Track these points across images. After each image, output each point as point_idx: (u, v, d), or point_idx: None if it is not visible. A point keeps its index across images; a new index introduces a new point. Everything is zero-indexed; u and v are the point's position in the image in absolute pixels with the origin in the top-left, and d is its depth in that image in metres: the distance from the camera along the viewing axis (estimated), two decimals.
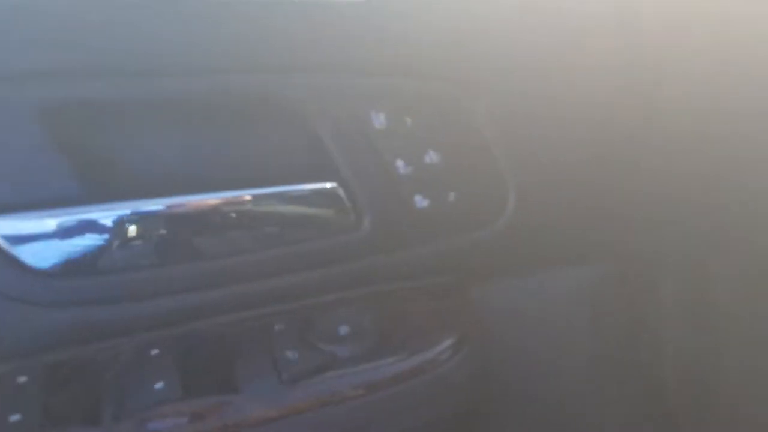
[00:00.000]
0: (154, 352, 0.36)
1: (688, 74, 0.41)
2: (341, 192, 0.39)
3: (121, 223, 0.35)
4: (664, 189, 0.46)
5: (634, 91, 0.41)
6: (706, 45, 0.39)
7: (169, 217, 0.36)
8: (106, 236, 0.35)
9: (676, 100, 0.42)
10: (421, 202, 0.41)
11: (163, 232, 0.36)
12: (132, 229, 0.35)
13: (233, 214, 0.37)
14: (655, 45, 0.39)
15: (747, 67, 0.38)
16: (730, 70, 0.39)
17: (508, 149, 0.41)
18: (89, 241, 0.35)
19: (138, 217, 0.35)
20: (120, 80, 0.33)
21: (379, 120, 0.38)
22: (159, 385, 0.35)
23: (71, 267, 0.34)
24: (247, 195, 0.37)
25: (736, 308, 0.48)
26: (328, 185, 0.39)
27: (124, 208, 0.35)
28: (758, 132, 0.40)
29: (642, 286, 0.51)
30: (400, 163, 0.39)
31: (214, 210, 0.37)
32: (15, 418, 0.31)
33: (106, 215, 0.35)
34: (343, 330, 0.40)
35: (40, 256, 0.33)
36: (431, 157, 0.40)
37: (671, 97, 0.42)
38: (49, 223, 0.33)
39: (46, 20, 0.31)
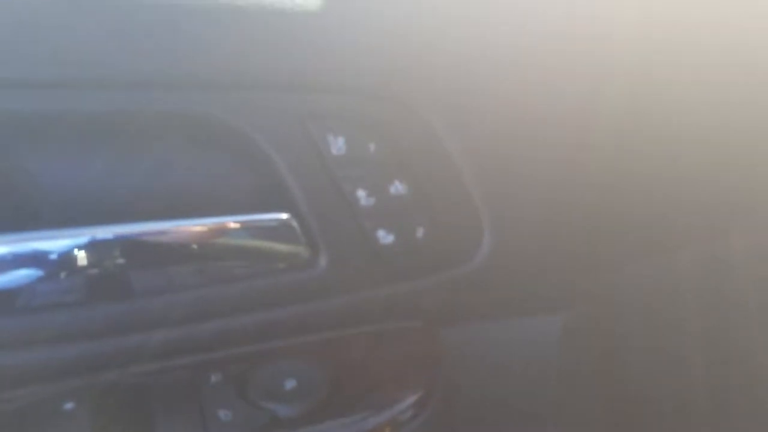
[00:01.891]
0: (68, 405, 0.31)
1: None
2: (295, 224, 0.35)
3: (36, 256, 0.31)
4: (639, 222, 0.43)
5: (614, 115, 0.37)
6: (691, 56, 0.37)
7: (93, 249, 0.31)
8: (18, 271, 0.30)
9: (654, 122, 0.39)
10: (384, 237, 0.36)
11: (84, 265, 0.31)
12: (49, 262, 0.31)
13: (169, 247, 0.33)
14: (634, 60, 0.36)
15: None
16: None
17: (482, 180, 0.37)
18: (6, 275, 0.30)
19: (57, 249, 0.31)
20: (44, 92, 0.29)
21: (337, 145, 0.33)
22: None
23: None
24: (186, 225, 0.33)
25: (703, 352, 0.46)
26: (281, 216, 0.34)
27: (41, 239, 0.31)
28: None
29: (611, 331, 0.48)
30: (361, 193, 0.35)
31: (147, 241, 0.32)
32: None
33: (19, 247, 0.30)
34: (289, 384, 0.35)
35: None
36: (397, 187, 0.36)
37: (649, 118, 0.39)
38: None
39: None
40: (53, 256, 0.31)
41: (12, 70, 0.28)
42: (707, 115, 0.38)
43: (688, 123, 0.38)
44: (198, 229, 0.33)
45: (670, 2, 0.34)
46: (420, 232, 0.37)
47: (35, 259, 0.31)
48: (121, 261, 0.32)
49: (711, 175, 0.42)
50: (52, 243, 0.31)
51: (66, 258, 0.31)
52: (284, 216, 0.34)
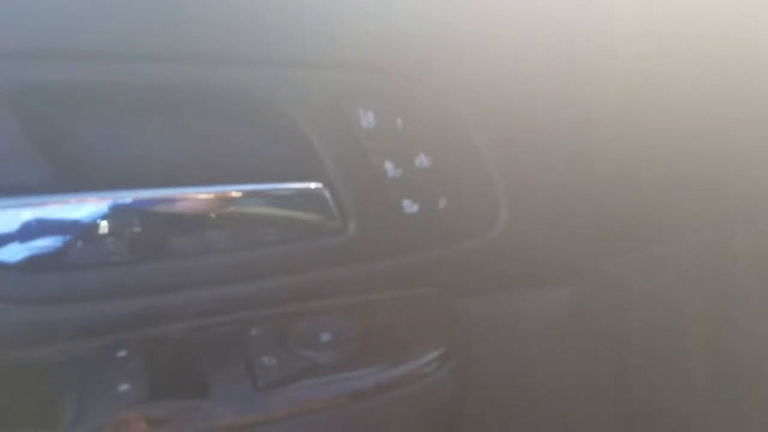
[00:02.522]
0: (122, 353, 0.35)
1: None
2: (326, 193, 0.37)
3: (90, 217, 0.34)
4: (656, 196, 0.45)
5: (628, 94, 0.39)
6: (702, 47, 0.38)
7: (141, 212, 0.34)
8: (75, 230, 0.33)
9: (672, 100, 0.40)
10: (409, 207, 0.39)
11: (135, 227, 0.34)
12: (103, 224, 0.34)
13: (211, 212, 0.36)
14: (650, 45, 0.38)
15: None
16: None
17: (500, 157, 0.39)
18: (59, 234, 0.33)
19: (109, 211, 0.34)
20: (91, 64, 0.32)
21: (367, 119, 0.36)
22: (125, 388, 0.33)
23: (38, 262, 0.32)
24: (225, 192, 0.36)
25: (703, 331, 0.48)
26: (313, 185, 0.37)
27: (94, 201, 0.33)
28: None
29: (618, 306, 0.50)
30: (389, 165, 0.38)
31: (190, 206, 0.35)
32: None
33: (75, 208, 0.33)
34: (325, 337, 0.38)
35: (7, 250, 0.32)
36: (422, 160, 0.38)
37: (668, 95, 0.40)
38: (15, 214, 0.32)
39: (12, 1, 0.29)
40: (106, 217, 0.34)
41: (67, 42, 0.31)
42: (718, 103, 0.40)
43: (698, 110, 0.40)
44: (237, 195, 0.36)
45: None
46: (442, 203, 0.40)
47: (87, 219, 0.34)
48: (166, 223, 0.35)
49: (721, 162, 0.43)
50: (103, 204, 0.33)
51: (116, 219, 0.34)
52: (317, 185, 0.37)
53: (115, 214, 0.34)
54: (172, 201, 0.35)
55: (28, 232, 0.32)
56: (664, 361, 0.51)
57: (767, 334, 0.46)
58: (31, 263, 0.32)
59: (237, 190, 0.36)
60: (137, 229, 0.34)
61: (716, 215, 0.48)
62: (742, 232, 0.48)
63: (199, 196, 0.35)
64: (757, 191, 0.46)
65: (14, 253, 0.32)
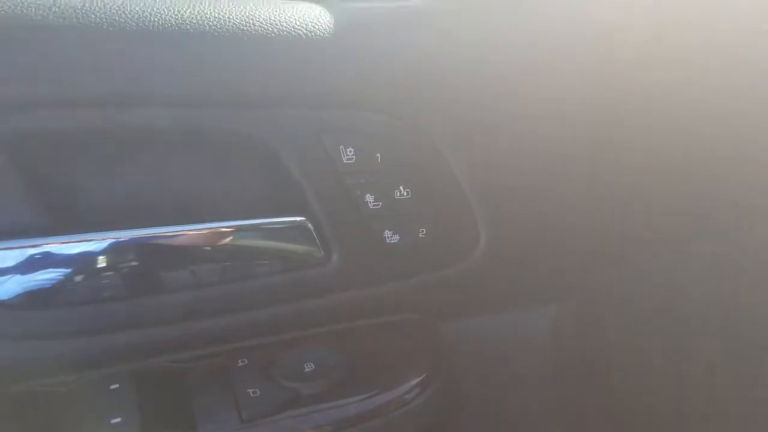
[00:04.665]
0: (113, 386, 0.35)
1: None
2: (309, 226, 0.39)
3: (83, 256, 0.34)
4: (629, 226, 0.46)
5: (604, 122, 0.41)
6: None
7: (130, 250, 0.35)
8: (68, 268, 0.34)
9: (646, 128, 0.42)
10: (391, 237, 0.40)
11: (124, 265, 0.35)
12: (94, 262, 0.35)
13: (198, 248, 0.37)
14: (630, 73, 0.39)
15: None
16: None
17: (478, 187, 0.40)
18: (51, 273, 0.34)
19: (100, 250, 0.35)
20: (81, 111, 0.33)
21: (348, 155, 0.38)
22: (116, 420, 0.34)
23: (30, 299, 0.33)
24: (212, 228, 0.37)
25: (688, 347, 0.49)
26: (297, 219, 0.38)
27: (87, 240, 0.35)
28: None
29: (598, 324, 0.52)
30: (369, 197, 0.39)
31: (178, 243, 0.36)
32: None
33: (68, 247, 0.34)
34: (308, 367, 0.39)
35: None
36: (401, 192, 0.39)
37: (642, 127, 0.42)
38: (11, 254, 0.33)
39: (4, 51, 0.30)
40: (97, 256, 0.35)
41: (58, 90, 0.32)
42: (697, 123, 0.41)
43: (673, 141, 0.41)
44: (223, 231, 0.37)
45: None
46: (423, 232, 0.41)
47: (81, 258, 0.35)
48: (154, 260, 0.36)
49: (699, 182, 0.45)
50: (95, 244, 0.35)
51: (106, 257, 0.35)
52: (301, 219, 0.38)
53: (105, 253, 0.35)
54: (159, 239, 0.36)
55: (24, 271, 0.33)
56: (645, 378, 0.52)
57: (758, 344, 0.47)
58: (28, 301, 0.33)
59: (222, 227, 0.37)
60: (129, 267, 0.35)
61: (695, 232, 0.49)
62: (725, 244, 0.48)
63: (187, 233, 0.36)
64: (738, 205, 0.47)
65: (10, 291, 0.33)
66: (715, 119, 0.41)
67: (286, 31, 0.35)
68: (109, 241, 0.35)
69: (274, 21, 0.35)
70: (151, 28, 0.33)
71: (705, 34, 0.37)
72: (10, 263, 0.33)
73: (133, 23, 0.32)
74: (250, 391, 0.36)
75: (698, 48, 0.37)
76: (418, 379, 0.40)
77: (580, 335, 0.51)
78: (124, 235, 0.35)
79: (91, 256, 0.34)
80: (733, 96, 0.39)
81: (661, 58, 0.38)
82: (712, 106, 0.40)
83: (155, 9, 0.33)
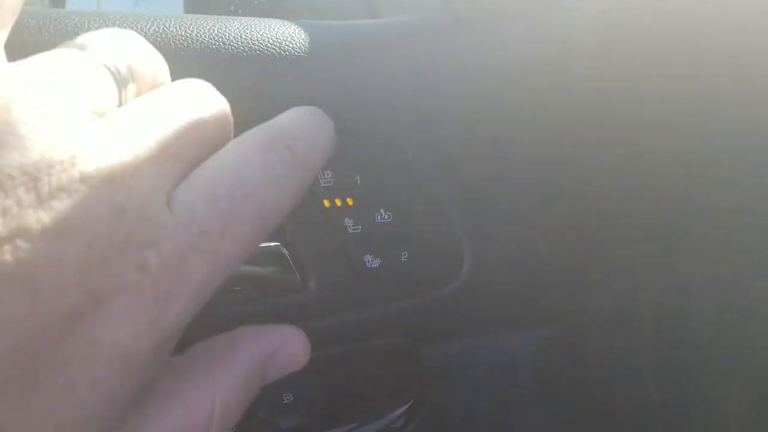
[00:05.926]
0: None
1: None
2: (284, 251, 0.37)
3: None
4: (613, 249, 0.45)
5: (594, 142, 0.39)
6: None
7: None
8: None
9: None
10: (371, 262, 0.39)
11: None
12: None
13: None
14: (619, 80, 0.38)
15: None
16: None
17: (461, 209, 0.39)
18: None
19: None
20: None
21: (326, 178, 0.36)
22: None
23: None
24: None
25: (679, 368, 0.48)
26: (271, 245, 0.37)
27: None
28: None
29: (586, 347, 0.51)
30: (348, 221, 0.37)
31: None
32: None
33: None
34: (287, 398, 0.37)
35: None
36: (382, 216, 0.38)
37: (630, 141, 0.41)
38: None
39: None
40: None
41: None
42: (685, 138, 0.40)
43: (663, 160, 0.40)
44: None
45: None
46: (405, 256, 0.39)
47: None
48: None
49: (690, 201, 0.44)
50: None
51: None
52: (275, 244, 0.37)
53: None
54: None
55: None
56: (637, 403, 0.51)
57: (754, 362, 0.46)
58: None
59: None
60: None
61: (688, 252, 0.48)
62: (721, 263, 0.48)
63: None
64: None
65: None
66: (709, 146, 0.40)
67: (258, 50, 0.33)
68: None
69: (244, 40, 0.33)
70: None
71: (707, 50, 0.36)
72: None
73: None
74: None
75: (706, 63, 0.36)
76: (401, 409, 0.39)
77: (569, 359, 0.50)
78: None
79: None
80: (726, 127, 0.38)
81: (664, 78, 0.37)
82: (707, 123, 0.39)
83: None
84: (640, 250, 0.46)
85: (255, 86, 0.33)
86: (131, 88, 0.20)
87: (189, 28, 0.32)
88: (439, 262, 0.41)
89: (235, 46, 0.32)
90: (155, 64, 0.22)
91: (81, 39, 0.20)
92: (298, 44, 0.34)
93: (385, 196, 0.37)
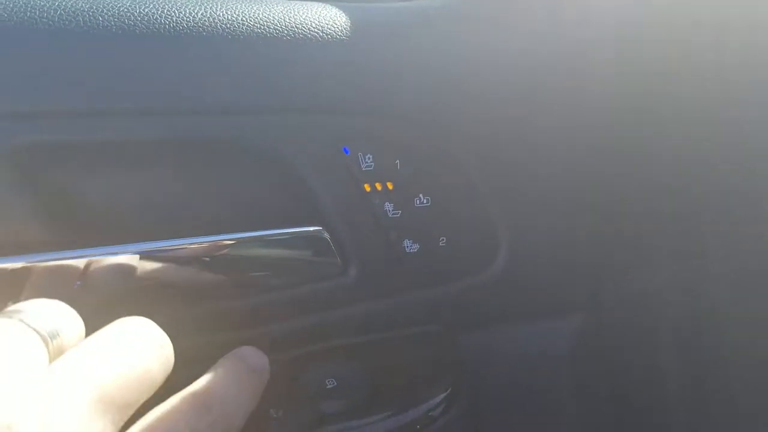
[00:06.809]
0: None
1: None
2: (326, 236, 0.37)
3: (95, 270, 0.33)
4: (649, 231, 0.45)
5: (624, 130, 0.40)
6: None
7: (145, 264, 0.34)
8: (79, 283, 0.33)
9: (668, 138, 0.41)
10: (410, 247, 0.39)
11: (143, 277, 0.34)
12: (113, 274, 0.33)
13: (212, 260, 0.35)
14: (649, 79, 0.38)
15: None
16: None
17: (498, 195, 0.39)
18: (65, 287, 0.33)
19: (119, 263, 0.33)
20: (89, 121, 0.31)
21: (366, 162, 0.36)
22: None
23: None
24: (227, 240, 0.35)
25: (708, 360, 0.48)
26: (313, 229, 0.37)
27: (98, 255, 0.33)
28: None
29: (620, 335, 0.50)
30: (388, 206, 0.38)
31: (192, 256, 0.35)
32: None
33: (80, 261, 0.33)
34: (330, 384, 0.37)
35: None
36: (421, 200, 0.38)
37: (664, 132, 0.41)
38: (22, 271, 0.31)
39: (20, 60, 0.29)
40: (114, 271, 0.33)
41: (68, 100, 0.31)
42: (718, 125, 0.40)
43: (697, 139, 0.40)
44: (238, 243, 0.35)
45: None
46: (442, 242, 0.40)
47: (99, 273, 0.33)
48: (170, 274, 0.35)
49: (719, 189, 0.44)
50: (115, 258, 0.33)
51: (126, 271, 0.34)
52: (317, 229, 0.37)
53: (123, 266, 0.33)
54: (176, 252, 0.35)
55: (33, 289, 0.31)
56: (664, 390, 0.51)
57: None
58: None
59: (238, 238, 0.35)
60: (143, 281, 0.34)
61: (718, 241, 0.48)
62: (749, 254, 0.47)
63: (203, 246, 0.35)
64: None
65: None
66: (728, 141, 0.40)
67: (301, 34, 0.33)
68: (128, 254, 0.33)
69: (288, 23, 0.33)
70: (158, 31, 0.31)
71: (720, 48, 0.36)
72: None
73: (143, 26, 0.31)
74: (272, 411, 0.34)
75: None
76: (444, 395, 0.39)
77: (605, 346, 0.49)
78: (143, 248, 0.34)
79: (110, 269, 0.33)
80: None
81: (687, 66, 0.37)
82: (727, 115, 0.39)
83: (164, 11, 0.32)
84: (668, 239, 0.46)
85: (298, 69, 0.33)
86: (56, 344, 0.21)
87: (236, 11, 0.33)
88: (476, 249, 0.41)
89: (278, 30, 0.33)
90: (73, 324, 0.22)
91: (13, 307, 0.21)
92: (340, 28, 0.34)
93: (425, 180, 0.37)
